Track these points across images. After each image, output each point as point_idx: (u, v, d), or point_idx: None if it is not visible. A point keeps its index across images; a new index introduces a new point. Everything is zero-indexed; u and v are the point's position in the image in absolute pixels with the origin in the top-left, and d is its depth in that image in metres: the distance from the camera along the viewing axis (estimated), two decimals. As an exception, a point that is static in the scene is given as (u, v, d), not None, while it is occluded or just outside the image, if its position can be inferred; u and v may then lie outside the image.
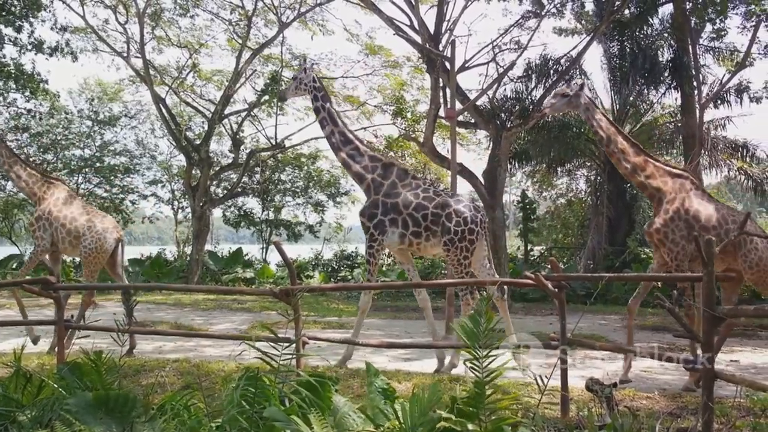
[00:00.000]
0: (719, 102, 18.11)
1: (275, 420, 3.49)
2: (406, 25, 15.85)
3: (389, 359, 8.61)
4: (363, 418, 3.78)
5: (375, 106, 24.51)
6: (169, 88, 22.89)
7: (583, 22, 20.14)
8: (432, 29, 15.71)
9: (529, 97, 17.43)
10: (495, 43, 17.11)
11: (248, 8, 21.88)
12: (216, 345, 9.44)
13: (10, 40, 19.51)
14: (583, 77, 19.37)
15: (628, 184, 17.93)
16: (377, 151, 23.81)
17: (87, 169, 25.15)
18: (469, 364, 3.82)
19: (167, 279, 21.50)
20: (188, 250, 23.90)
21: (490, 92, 16.93)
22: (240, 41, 22.45)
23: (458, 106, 15.16)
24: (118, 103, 27.46)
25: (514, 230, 29.79)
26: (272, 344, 4.15)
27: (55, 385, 4.38)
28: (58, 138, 24.92)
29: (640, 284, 7.63)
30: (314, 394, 3.76)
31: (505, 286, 8.10)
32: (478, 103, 16.62)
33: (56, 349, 6.81)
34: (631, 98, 18.80)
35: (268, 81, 22.24)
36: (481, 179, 15.79)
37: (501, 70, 16.77)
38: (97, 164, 25.27)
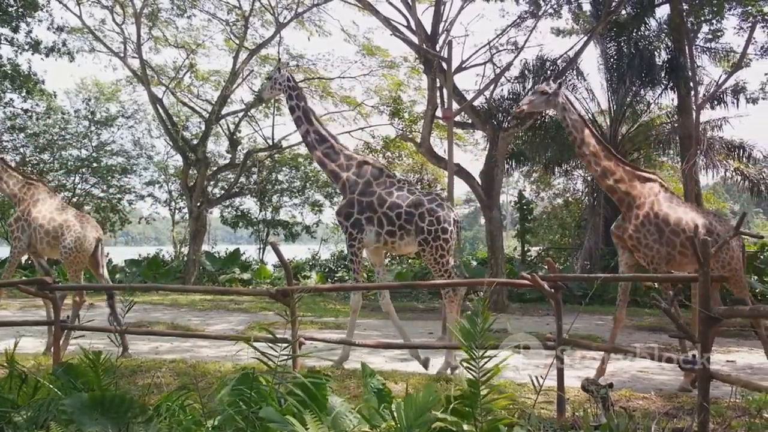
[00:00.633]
0: (716, 103, 18.11)
1: (271, 420, 3.49)
2: (403, 25, 15.84)
3: (386, 360, 8.62)
4: (359, 418, 3.78)
5: (372, 106, 24.53)
6: (166, 88, 22.85)
7: (580, 22, 20.16)
8: (429, 30, 15.70)
9: (527, 98, 17.41)
10: (492, 44, 17.14)
11: (245, 9, 21.88)
12: (213, 345, 9.45)
13: (7, 40, 19.54)
14: (579, 78, 19.46)
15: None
16: (374, 151, 24.00)
17: (84, 170, 25.14)
18: (465, 364, 3.83)
19: (164, 279, 21.47)
20: (185, 250, 23.88)
21: (487, 93, 16.94)
22: (237, 42, 22.42)
23: (455, 106, 15.19)
24: (115, 104, 27.49)
25: (511, 231, 29.81)
26: (269, 345, 4.15)
27: (51, 386, 4.37)
28: (55, 138, 24.89)
29: (619, 291, 7.44)
30: (310, 395, 3.76)
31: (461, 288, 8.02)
32: (475, 103, 16.63)
33: (52, 349, 6.80)
34: (628, 99, 18.80)
35: (264, 81, 22.21)
36: (478, 179, 15.79)
37: (498, 70, 16.79)
38: (94, 164, 25.26)
